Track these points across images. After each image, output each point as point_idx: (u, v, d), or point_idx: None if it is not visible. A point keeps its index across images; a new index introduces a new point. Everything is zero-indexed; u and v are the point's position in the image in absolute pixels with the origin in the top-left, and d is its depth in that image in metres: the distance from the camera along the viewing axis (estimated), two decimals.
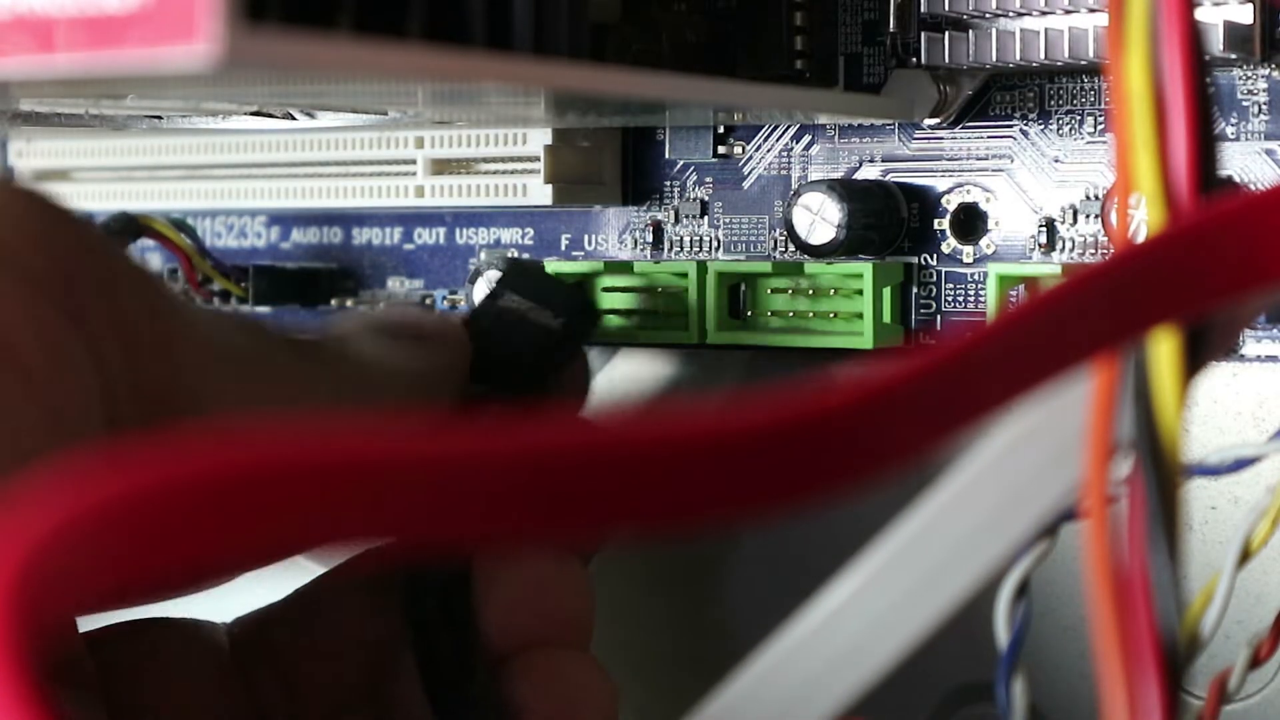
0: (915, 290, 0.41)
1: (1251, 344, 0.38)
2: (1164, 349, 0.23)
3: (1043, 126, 0.40)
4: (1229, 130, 0.38)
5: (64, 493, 0.17)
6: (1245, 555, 0.26)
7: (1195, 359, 0.23)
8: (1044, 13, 0.37)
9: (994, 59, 0.38)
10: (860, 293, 0.40)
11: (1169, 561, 0.23)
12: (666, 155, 0.44)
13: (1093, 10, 0.37)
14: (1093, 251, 0.39)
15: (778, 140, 0.42)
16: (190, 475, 0.18)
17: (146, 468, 0.17)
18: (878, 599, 0.26)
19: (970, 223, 0.41)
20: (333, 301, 0.48)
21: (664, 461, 0.20)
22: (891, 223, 0.41)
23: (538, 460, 0.19)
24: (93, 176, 0.48)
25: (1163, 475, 0.23)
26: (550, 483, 0.19)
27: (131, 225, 0.45)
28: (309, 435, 0.18)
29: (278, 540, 0.18)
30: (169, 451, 0.18)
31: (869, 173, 0.42)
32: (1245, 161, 0.38)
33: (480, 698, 0.35)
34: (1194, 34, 0.24)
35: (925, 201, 0.41)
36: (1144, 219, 0.24)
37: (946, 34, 0.38)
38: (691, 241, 0.43)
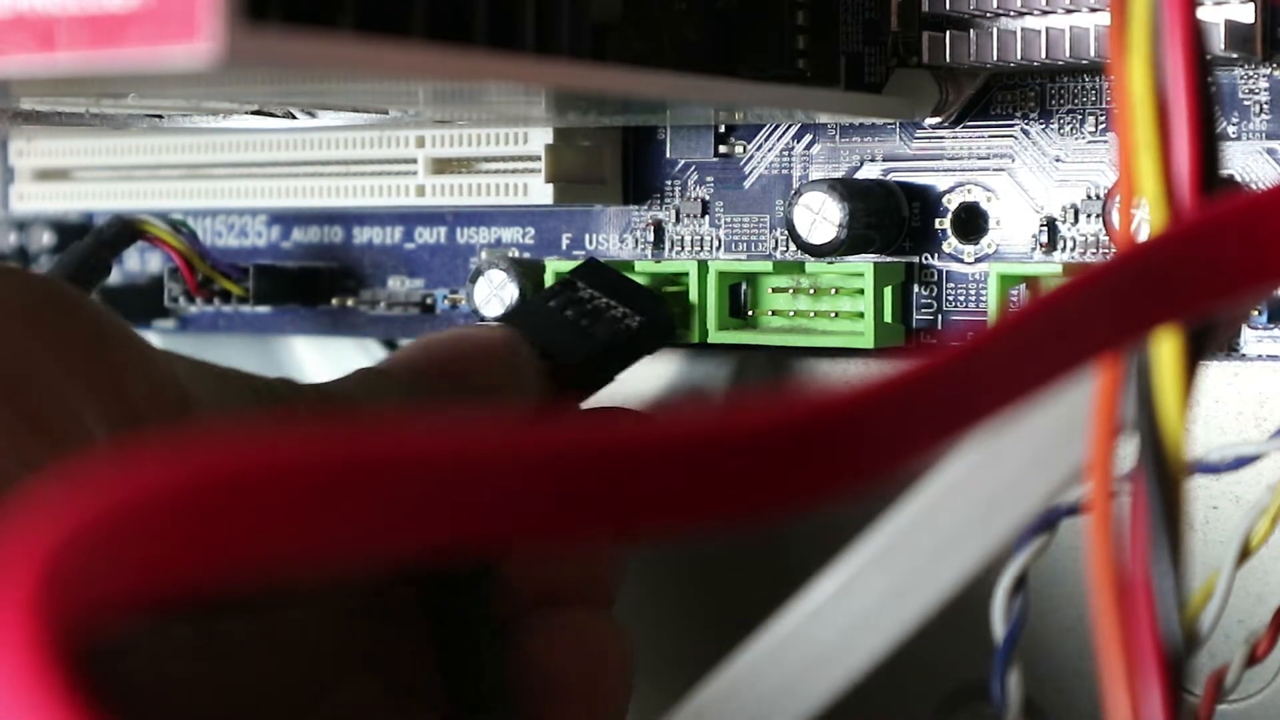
0: (916, 290, 0.41)
1: (1252, 344, 0.38)
2: (1166, 349, 0.23)
3: (1044, 126, 0.40)
4: (1230, 130, 0.38)
5: (86, 492, 0.17)
6: (1245, 553, 0.27)
7: (1197, 358, 0.23)
8: (1045, 12, 0.37)
9: (995, 58, 0.38)
10: (861, 292, 0.40)
11: (1171, 564, 0.23)
12: (667, 154, 0.44)
13: (1094, 10, 0.37)
14: (1094, 251, 0.39)
15: (779, 139, 0.42)
16: (218, 472, 0.17)
17: (170, 466, 0.17)
18: (861, 596, 0.26)
19: (971, 222, 0.41)
20: (333, 301, 0.48)
21: (671, 462, 0.20)
22: (892, 222, 0.41)
23: (555, 460, 0.19)
24: (93, 176, 0.48)
25: (1165, 476, 0.23)
26: (568, 483, 0.19)
27: (127, 229, 0.45)
28: (352, 432, 0.18)
29: (302, 545, 0.18)
30: (196, 448, 0.17)
31: (870, 172, 0.41)
32: (1246, 161, 0.38)
33: (492, 659, 0.35)
34: (1197, 36, 0.24)
35: (926, 201, 0.41)
36: (1147, 221, 0.24)
37: (948, 33, 0.38)
38: (692, 241, 0.43)
